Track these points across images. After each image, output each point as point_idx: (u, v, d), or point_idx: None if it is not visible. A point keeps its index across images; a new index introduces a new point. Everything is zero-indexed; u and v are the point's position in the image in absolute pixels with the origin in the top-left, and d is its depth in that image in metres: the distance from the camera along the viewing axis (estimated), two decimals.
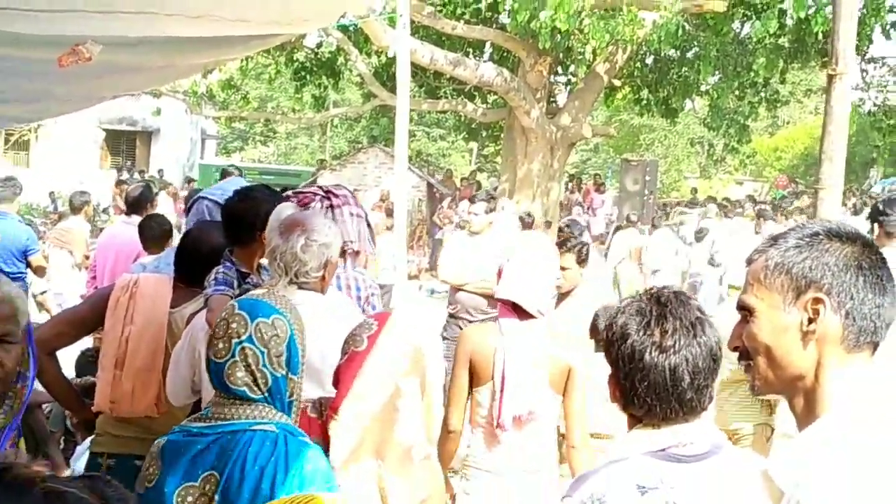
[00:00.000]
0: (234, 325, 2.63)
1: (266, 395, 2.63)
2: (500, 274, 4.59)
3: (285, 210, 3.98)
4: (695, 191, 37.14)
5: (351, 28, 25.33)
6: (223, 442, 2.57)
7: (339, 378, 3.10)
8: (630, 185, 20.39)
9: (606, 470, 2.32)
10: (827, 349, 1.84)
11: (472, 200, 7.76)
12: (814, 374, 1.86)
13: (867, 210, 21.22)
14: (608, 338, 2.41)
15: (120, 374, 4.01)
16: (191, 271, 4.23)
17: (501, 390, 4.32)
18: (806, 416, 1.87)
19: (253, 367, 2.60)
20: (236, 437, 2.57)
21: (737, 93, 25.62)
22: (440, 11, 23.59)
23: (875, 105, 27.15)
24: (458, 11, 24.72)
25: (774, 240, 1.96)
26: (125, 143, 37.86)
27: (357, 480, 3.30)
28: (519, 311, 4.46)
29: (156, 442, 2.67)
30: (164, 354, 4.02)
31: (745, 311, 1.95)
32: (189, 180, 32.18)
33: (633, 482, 2.26)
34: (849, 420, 1.78)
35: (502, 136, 28.59)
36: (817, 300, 1.84)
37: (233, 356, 2.61)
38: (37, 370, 4.15)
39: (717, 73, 24.35)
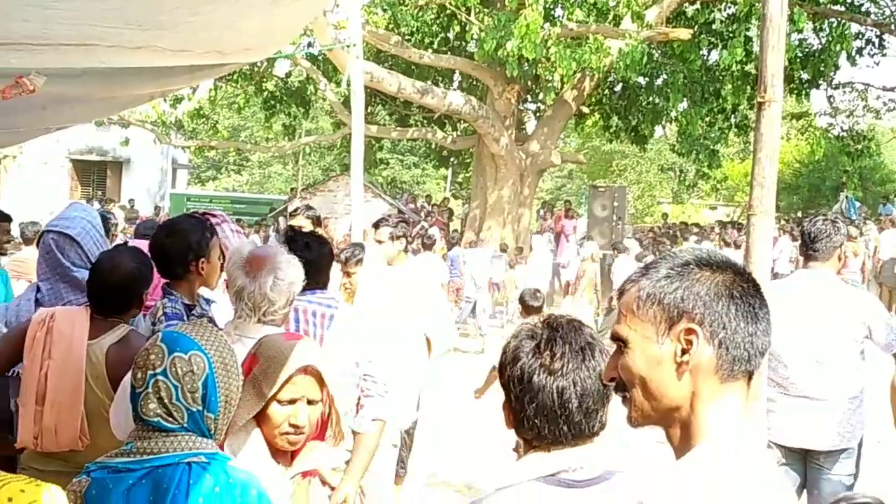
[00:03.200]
0: (152, 357, 2.60)
1: (183, 425, 2.59)
2: None
3: (245, 247, 3.95)
4: (665, 216, 37.35)
5: (319, 57, 25.41)
6: (156, 476, 2.50)
7: None
8: (599, 211, 20.47)
9: (496, 497, 2.31)
10: (701, 380, 1.82)
11: (375, 226, 7.64)
12: (689, 405, 1.84)
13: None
14: (501, 361, 2.42)
15: (41, 410, 3.94)
16: (104, 301, 4.16)
17: None
18: (682, 446, 1.85)
19: (165, 401, 2.56)
20: (168, 470, 2.51)
21: (706, 119, 25.82)
22: (408, 41, 23.70)
23: (843, 130, 27.42)
24: (426, 41, 24.85)
25: (646, 269, 1.94)
26: (95, 174, 37.76)
27: None
28: None
29: (75, 481, 2.60)
30: (83, 387, 3.98)
31: (620, 341, 1.92)
32: (158, 210, 32.12)
33: None
34: (723, 451, 1.77)
35: (472, 163, 28.70)
36: (690, 331, 1.82)
37: (147, 387, 2.58)
38: None
39: (685, 99, 24.52)
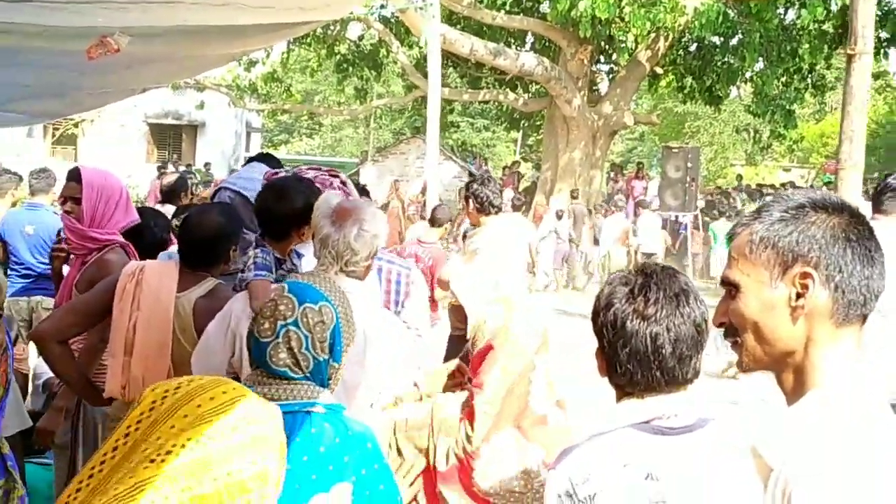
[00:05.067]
0: (281, 308, 2.66)
1: (307, 375, 2.66)
2: None
3: (333, 198, 3.98)
4: (740, 177, 36.81)
5: (392, 19, 25.42)
6: None
7: (480, 356, 3.24)
8: (672, 173, 20.15)
9: (590, 444, 2.33)
10: (816, 324, 1.80)
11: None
12: (803, 350, 1.82)
13: None
14: (595, 308, 2.44)
15: (129, 361, 4.05)
16: (194, 255, 4.24)
17: None
18: (795, 391, 1.84)
19: (295, 350, 2.62)
20: (289, 418, 2.56)
21: (782, 79, 25.32)
22: (480, 2, 23.60)
23: None
24: (499, 1, 24.70)
25: (758, 213, 1.90)
26: (171, 137, 38.07)
27: (497, 447, 3.75)
28: None
29: None
30: (171, 339, 4.08)
31: (730, 286, 1.89)
32: (232, 173, 32.41)
33: (615, 455, 2.28)
34: (839, 396, 1.75)
35: (544, 125, 28.55)
36: (805, 274, 1.79)
37: (277, 337, 2.63)
38: (49, 360, 4.25)
39: (761, 59, 24.08)
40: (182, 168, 27.14)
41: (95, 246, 4.91)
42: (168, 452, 2.16)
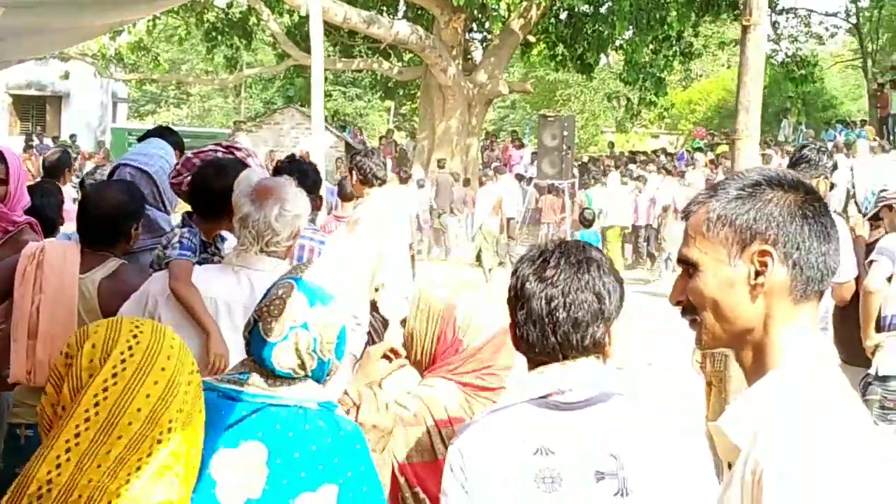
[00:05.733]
0: (292, 308, 2.55)
1: (308, 375, 2.57)
2: None
3: (254, 175, 3.90)
4: (612, 144, 37.50)
5: None
6: (269, 415, 2.50)
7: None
8: (548, 141, 20.37)
9: (486, 419, 2.36)
10: (775, 301, 1.81)
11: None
12: (762, 327, 1.82)
13: (777, 158, 21.53)
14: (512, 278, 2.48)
15: (34, 344, 3.92)
16: (95, 234, 4.10)
17: None
18: (755, 369, 1.84)
19: (302, 352, 2.52)
20: (283, 411, 2.50)
21: (651, 47, 25.84)
22: None
23: (787, 56, 27.64)
24: None
25: (714, 190, 1.89)
26: (34, 109, 36.79)
27: None
28: None
29: None
30: (76, 321, 3.95)
31: (688, 265, 1.89)
32: (101, 144, 31.56)
33: (507, 431, 2.30)
34: (802, 372, 1.76)
35: (419, 94, 28.54)
36: (764, 252, 1.79)
37: (285, 339, 2.52)
38: None
39: (630, 27, 24.51)
40: (47, 140, 26.29)
41: (15, 228, 4.71)
42: (169, 430, 2.14)
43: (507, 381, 2.84)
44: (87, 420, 2.09)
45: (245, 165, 4.38)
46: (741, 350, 1.88)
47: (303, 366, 2.54)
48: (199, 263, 3.95)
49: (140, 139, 5.91)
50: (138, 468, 2.08)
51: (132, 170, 4.99)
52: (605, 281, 2.37)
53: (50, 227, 5.29)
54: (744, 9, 4.13)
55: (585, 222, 14.02)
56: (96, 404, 2.09)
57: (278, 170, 5.10)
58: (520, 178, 24.35)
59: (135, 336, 2.19)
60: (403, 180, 16.50)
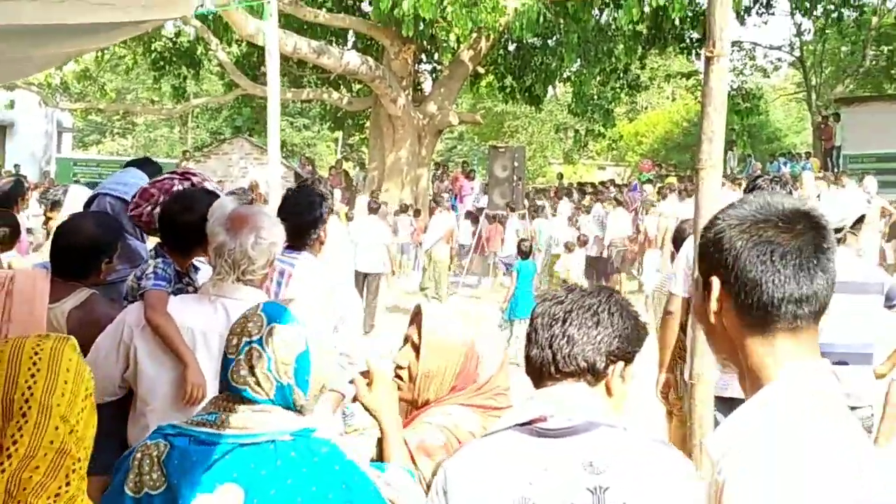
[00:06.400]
0: (250, 325, 2.54)
1: (270, 398, 2.51)
2: None
3: (228, 204, 3.87)
4: (560, 175, 37.77)
5: (210, 17, 24.86)
6: (242, 454, 2.45)
7: None
8: (499, 172, 20.53)
9: (475, 444, 2.39)
10: (737, 329, 1.81)
11: None
12: (741, 353, 1.83)
13: (726, 189, 21.78)
14: None
15: None
16: (67, 265, 4.06)
17: None
18: (747, 390, 1.85)
19: (256, 369, 2.48)
20: (255, 448, 2.45)
21: (599, 79, 26.13)
22: None
23: (732, 89, 28.09)
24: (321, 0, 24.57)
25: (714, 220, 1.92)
26: None
27: None
28: None
29: (150, 444, 2.49)
30: None
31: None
32: (46, 174, 31.17)
33: (491, 457, 2.31)
34: (776, 397, 1.75)
35: (368, 124, 28.54)
36: (711, 282, 1.82)
37: (239, 353, 2.51)
38: None
39: (578, 59, 24.76)
40: None
41: None
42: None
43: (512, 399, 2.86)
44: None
45: (208, 192, 4.35)
46: (739, 371, 1.89)
47: (259, 384, 2.50)
48: (175, 294, 3.90)
49: (122, 167, 5.90)
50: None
51: (112, 199, 4.95)
52: (612, 310, 2.40)
53: None
54: (707, 40, 4.16)
55: (521, 254, 14.12)
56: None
57: None
58: (469, 214, 24.48)
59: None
60: (374, 210, 16.48)
